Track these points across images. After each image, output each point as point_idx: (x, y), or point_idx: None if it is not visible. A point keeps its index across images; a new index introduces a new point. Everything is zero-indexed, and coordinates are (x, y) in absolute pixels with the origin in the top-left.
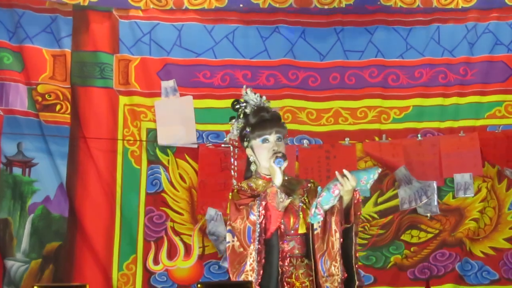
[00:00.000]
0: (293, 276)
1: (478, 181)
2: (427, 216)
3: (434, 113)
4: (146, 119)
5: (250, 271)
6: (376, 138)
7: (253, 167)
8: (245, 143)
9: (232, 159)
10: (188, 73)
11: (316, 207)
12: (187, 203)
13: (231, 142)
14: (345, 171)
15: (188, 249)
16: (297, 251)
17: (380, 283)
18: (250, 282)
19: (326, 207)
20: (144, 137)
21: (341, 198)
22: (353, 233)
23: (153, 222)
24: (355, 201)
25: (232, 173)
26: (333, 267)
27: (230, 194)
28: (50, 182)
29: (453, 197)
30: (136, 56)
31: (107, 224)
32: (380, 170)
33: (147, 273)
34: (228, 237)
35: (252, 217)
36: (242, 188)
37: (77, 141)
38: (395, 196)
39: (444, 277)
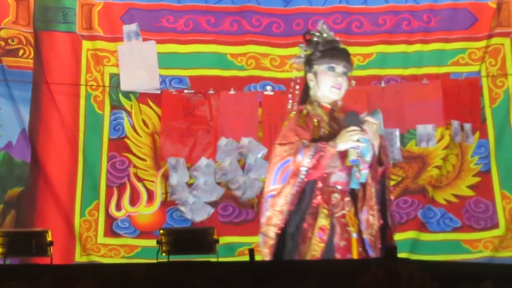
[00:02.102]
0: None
1: (441, 128)
2: (390, 163)
3: (397, 60)
4: (109, 64)
5: (279, 212)
6: None
7: (312, 92)
8: (309, 67)
9: (292, 83)
10: (152, 18)
11: (361, 164)
12: (150, 149)
13: (295, 66)
14: (368, 118)
15: (150, 195)
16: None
17: None
18: (212, 228)
19: (368, 158)
20: (107, 82)
21: None
22: (385, 177)
23: (116, 168)
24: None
25: (290, 97)
26: (371, 217)
27: (293, 113)
28: (12, 127)
29: (416, 145)
30: (100, 1)
31: (69, 169)
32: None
33: (110, 219)
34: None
35: (300, 158)
36: (308, 114)
37: (40, 86)
38: None
39: (407, 224)
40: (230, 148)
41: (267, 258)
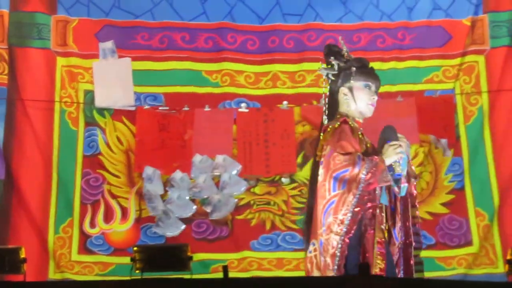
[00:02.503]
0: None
1: (415, 146)
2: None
3: None
4: (83, 80)
5: (340, 221)
6: (314, 102)
7: (344, 107)
8: (343, 81)
9: (323, 95)
10: (127, 35)
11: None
12: (124, 166)
13: (326, 76)
14: (399, 135)
15: (124, 212)
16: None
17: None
18: (186, 245)
19: (405, 172)
20: (81, 99)
21: None
22: (412, 193)
23: (90, 185)
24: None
25: (324, 108)
26: (399, 234)
27: (338, 123)
28: None
29: None
30: (74, 17)
31: (43, 186)
32: None
33: (84, 236)
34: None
35: (356, 170)
36: (355, 127)
37: (14, 102)
38: None
39: None
40: (205, 165)
41: (328, 264)
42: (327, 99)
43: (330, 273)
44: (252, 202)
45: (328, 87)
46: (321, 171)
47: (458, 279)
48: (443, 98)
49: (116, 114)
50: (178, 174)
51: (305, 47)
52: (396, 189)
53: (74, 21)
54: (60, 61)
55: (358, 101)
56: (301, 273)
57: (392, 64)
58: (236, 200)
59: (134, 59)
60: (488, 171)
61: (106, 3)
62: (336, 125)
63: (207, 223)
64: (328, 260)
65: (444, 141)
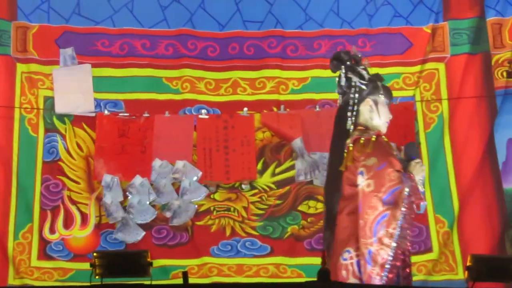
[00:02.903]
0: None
1: None
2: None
3: (332, 85)
4: (43, 87)
5: (391, 234)
6: (275, 109)
7: (365, 118)
8: (370, 92)
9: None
10: (87, 41)
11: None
12: (84, 172)
13: (355, 84)
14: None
15: (84, 218)
16: None
17: (277, 253)
18: (146, 251)
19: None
20: (41, 105)
21: None
22: None
23: (50, 191)
24: None
25: (350, 114)
26: None
27: (374, 137)
28: None
29: None
30: (34, 24)
31: (3, 192)
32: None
33: (43, 242)
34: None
35: (403, 187)
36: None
37: None
38: (292, 167)
39: None
40: (164, 170)
41: (377, 274)
42: (351, 107)
43: (378, 283)
44: (212, 208)
45: (355, 95)
46: (368, 181)
47: (418, 286)
48: (404, 105)
49: (76, 120)
50: (138, 180)
51: (265, 54)
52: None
53: (34, 27)
54: (20, 68)
55: (382, 117)
56: (261, 279)
57: None
58: (196, 206)
59: (94, 65)
60: (448, 178)
61: (66, 10)
62: (373, 138)
63: (167, 229)
64: (378, 270)
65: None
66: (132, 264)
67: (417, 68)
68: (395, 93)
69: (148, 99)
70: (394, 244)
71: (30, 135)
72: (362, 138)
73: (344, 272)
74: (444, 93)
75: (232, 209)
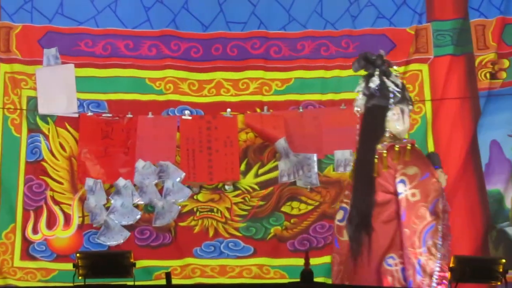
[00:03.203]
0: None
1: None
2: (307, 188)
3: (315, 86)
4: (26, 87)
5: (436, 246)
6: (258, 110)
7: (392, 124)
8: (399, 102)
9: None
10: (70, 42)
11: None
12: (67, 172)
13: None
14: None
15: (67, 218)
16: None
17: (260, 254)
18: (129, 252)
19: None
20: (24, 105)
21: None
22: None
23: (33, 191)
24: None
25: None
26: None
27: (410, 145)
28: None
29: (334, 170)
30: (18, 24)
31: None
32: None
33: (26, 243)
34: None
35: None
36: None
37: None
38: (276, 168)
39: (324, 249)
40: (148, 171)
41: (426, 284)
42: (382, 112)
43: None
44: (195, 209)
45: (390, 101)
46: (412, 190)
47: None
48: None
49: (59, 120)
50: (121, 182)
51: (248, 55)
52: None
53: (17, 27)
54: (3, 68)
55: (406, 125)
56: (244, 280)
57: (335, 72)
58: (179, 207)
59: (78, 66)
60: None
61: (50, 10)
62: (409, 147)
63: (150, 230)
64: (427, 281)
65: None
66: (115, 264)
67: (400, 69)
68: None
69: (131, 99)
70: (439, 255)
71: (13, 135)
72: (397, 146)
73: (390, 278)
74: (427, 94)
75: (215, 210)
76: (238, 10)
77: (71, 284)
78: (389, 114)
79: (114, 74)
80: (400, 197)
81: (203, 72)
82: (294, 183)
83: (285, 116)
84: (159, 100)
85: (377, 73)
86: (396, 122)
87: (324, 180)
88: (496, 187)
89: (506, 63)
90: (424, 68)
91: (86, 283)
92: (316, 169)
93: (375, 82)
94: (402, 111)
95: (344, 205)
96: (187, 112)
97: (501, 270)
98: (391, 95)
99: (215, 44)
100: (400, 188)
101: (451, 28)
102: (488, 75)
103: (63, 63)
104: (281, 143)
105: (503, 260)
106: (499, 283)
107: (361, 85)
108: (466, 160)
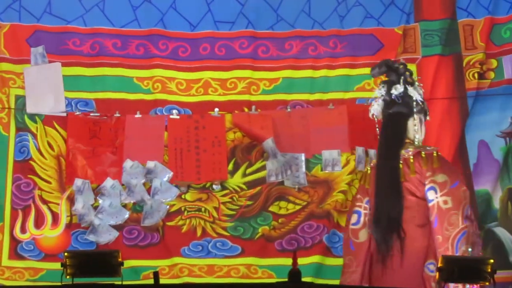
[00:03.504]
0: None
1: (347, 153)
2: (295, 188)
3: (303, 85)
4: (15, 85)
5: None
6: (246, 109)
7: (413, 134)
8: (418, 111)
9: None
10: (58, 41)
11: None
12: (55, 171)
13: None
14: None
15: (55, 217)
16: None
17: (247, 254)
18: (117, 251)
19: None
20: (12, 104)
21: None
22: None
23: (21, 190)
24: None
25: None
26: None
27: (436, 152)
28: None
29: (321, 170)
30: (6, 23)
31: None
32: None
33: (14, 242)
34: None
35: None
36: None
37: None
38: (263, 168)
39: (312, 248)
40: (136, 171)
41: None
42: (407, 119)
43: None
44: (183, 208)
45: (414, 109)
46: (443, 198)
47: (390, 287)
48: None
49: (47, 119)
50: (109, 182)
51: (236, 54)
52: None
53: (5, 26)
54: None
55: (423, 134)
56: (232, 280)
57: (323, 72)
58: (167, 206)
59: (65, 64)
60: None
61: (38, 9)
62: (435, 154)
63: (138, 230)
64: (461, 286)
65: (373, 152)
66: (103, 264)
67: None
68: (366, 94)
69: (119, 98)
70: None
71: (2, 134)
72: (423, 152)
73: (433, 284)
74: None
75: (203, 209)
76: (226, 10)
77: (59, 284)
78: (409, 122)
79: (102, 73)
80: (431, 204)
81: (191, 72)
82: (282, 182)
83: (273, 115)
84: (147, 99)
85: (401, 81)
86: (415, 130)
87: (312, 180)
88: (485, 187)
89: (494, 63)
90: (412, 68)
91: (74, 283)
92: (304, 169)
93: (398, 90)
94: (420, 121)
95: (357, 208)
96: (175, 111)
97: (489, 270)
98: (414, 103)
99: (203, 43)
100: (431, 195)
101: (439, 28)
102: (476, 75)
103: (51, 62)
104: (269, 143)
105: (492, 260)
106: (487, 283)
107: (381, 91)
108: (454, 160)
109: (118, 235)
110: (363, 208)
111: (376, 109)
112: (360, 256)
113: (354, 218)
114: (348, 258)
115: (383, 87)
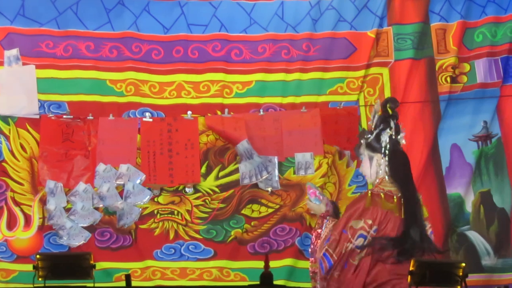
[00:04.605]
0: None
1: (319, 156)
2: (268, 191)
3: (276, 89)
4: None
5: None
6: (219, 112)
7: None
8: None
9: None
10: (31, 43)
11: None
12: (27, 173)
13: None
14: None
15: (28, 219)
16: None
17: (220, 257)
18: (89, 253)
19: None
20: None
21: None
22: None
23: None
24: None
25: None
26: None
27: None
28: None
29: (294, 173)
30: None
31: None
32: None
33: None
34: None
35: None
36: None
37: None
38: (236, 171)
39: (284, 251)
40: (108, 174)
41: None
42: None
43: None
44: (155, 211)
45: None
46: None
47: None
48: (347, 110)
49: (20, 121)
50: (81, 186)
51: (210, 57)
52: None
53: None
54: None
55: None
56: (204, 283)
57: (296, 76)
58: (140, 209)
59: (39, 67)
60: None
61: (11, 11)
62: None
63: (110, 232)
64: None
65: (348, 153)
66: (75, 266)
67: (361, 72)
68: (339, 98)
69: (92, 101)
70: None
71: None
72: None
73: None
74: None
75: (175, 212)
76: (199, 13)
77: (31, 285)
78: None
79: (75, 75)
80: None
81: (164, 74)
82: (255, 185)
83: (245, 118)
84: (120, 102)
85: (395, 118)
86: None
87: (285, 183)
88: (457, 191)
89: (467, 67)
90: (385, 71)
91: (46, 285)
92: (276, 172)
93: (385, 137)
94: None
95: (364, 233)
96: (148, 114)
97: (461, 274)
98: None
99: (176, 46)
100: None
101: (412, 32)
102: (448, 79)
103: (24, 64)
104: (244, 144)
105: (463, 264)
106: (458, 287)
107: (376, 124)
108: (426, 163)
109: (90, 237)
110: (370, 234)
111: (362, 152)
112: (347, 275)
113: (359, 241)
114: (333, 274)
115: (380, 122)
